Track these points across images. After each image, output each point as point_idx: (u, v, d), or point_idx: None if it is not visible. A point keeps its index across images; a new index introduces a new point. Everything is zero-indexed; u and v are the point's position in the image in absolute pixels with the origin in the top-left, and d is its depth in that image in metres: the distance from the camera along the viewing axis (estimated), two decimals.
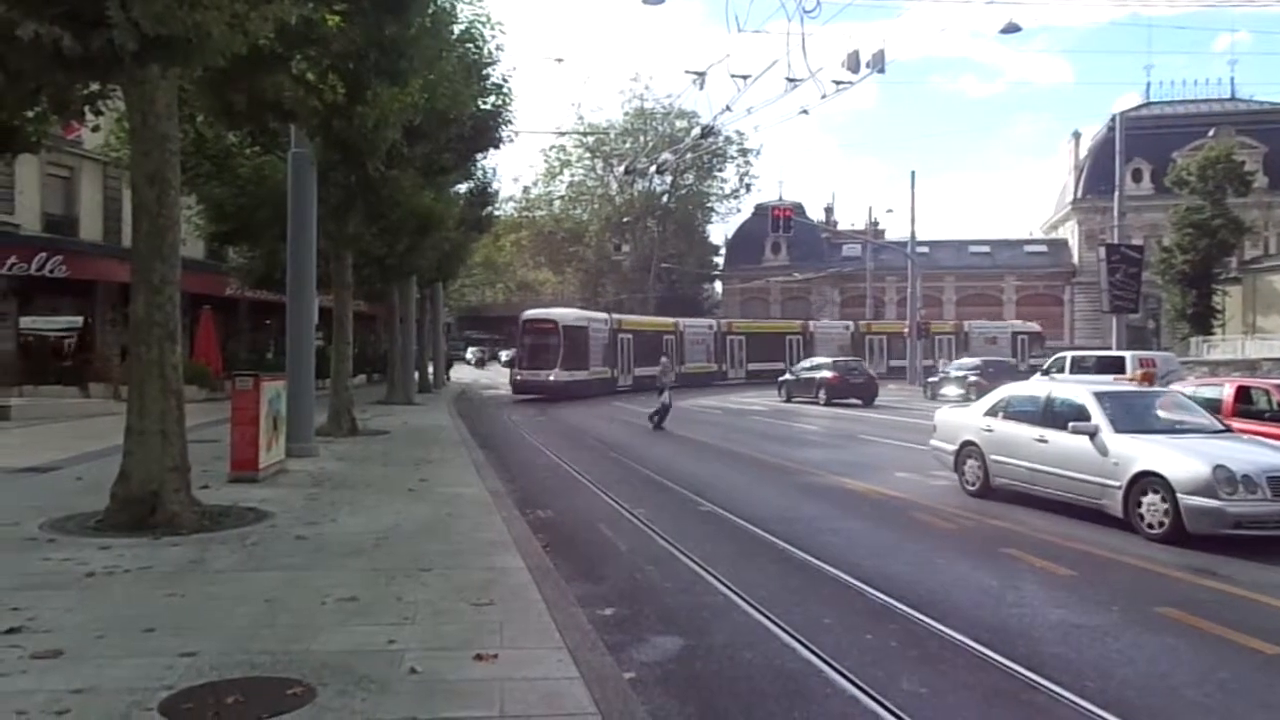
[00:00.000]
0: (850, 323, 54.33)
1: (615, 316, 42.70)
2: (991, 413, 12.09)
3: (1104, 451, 9.97)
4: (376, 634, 5.36)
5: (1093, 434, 10.15)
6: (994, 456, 11.62)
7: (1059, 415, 10.86)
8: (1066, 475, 10.44)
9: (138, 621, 5.49)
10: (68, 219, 26.72)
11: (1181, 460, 9.25)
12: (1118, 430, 10.10)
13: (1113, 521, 9.76)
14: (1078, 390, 11.19)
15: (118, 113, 13.69)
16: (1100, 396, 10.77)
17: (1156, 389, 12.08)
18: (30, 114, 8.39)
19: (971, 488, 11.94)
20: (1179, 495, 8.96)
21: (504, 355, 76.14)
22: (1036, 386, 12.36)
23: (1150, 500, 9.30)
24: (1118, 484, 9.68)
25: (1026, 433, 11.19)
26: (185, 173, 12.90)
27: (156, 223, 8.52)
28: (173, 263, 8.65)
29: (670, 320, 46.61)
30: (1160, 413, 11.12)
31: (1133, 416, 10.57)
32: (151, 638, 5.23)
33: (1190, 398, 12.15)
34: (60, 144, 22.59)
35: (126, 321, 24.84)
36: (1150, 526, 9.26)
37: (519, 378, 35.99)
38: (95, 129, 11.80)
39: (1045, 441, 10.83)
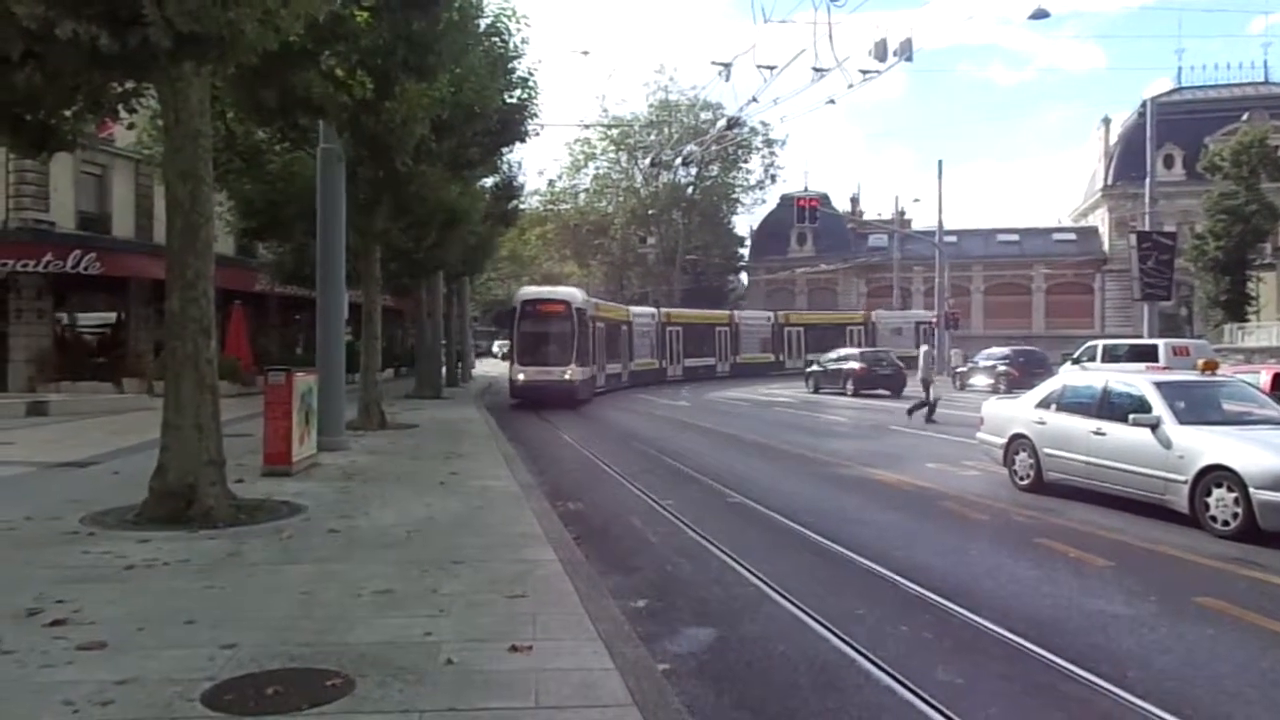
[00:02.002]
0: (771, 314, 52.57)
1: (592, 300, 34.27)
2: (1043, 404, 11.77)
3: (1167, 444, 9.61)
4: (412, 626, 5.40)
5: (1154, 426, 9.78)
6: (1047, 450, 11.34)
7: (1117, 406, 10.55)
8: (1126, 469, 10.10)
9: (178, 614, 5.57)
10: (101, 216, 27.10)
11: (1254, 453, 8.85)
12: (1181, 422, 9.71)
13: (1176, 517, 9.45)
14: (1137, 380, 10.80)
15: (151, 110, 13.87)
16: (1161, 386, 10.37)
17: (1221, 378, 11.62)
18: (67, 113, 8.49)
19: (1023, 482, 11.69)
20: (1251, 490, 8.58)
21: (495, 346, 73.89)
22: (1092, 377, 11.99)
23: (1219, 495, 8.93)
24: (1183, 478, 9.31)
25: (1082, 425, 10.86)
26: (216, 169, 13.01)
27: (190, 219, 8.60)
28: (206, 258, 8.73)
29: (625, 308, 41.90)
30: (1225, 403, 10.65)
31: (1197, 407, 10.15)
32: (191, 629, 5.31)
33: None
34: (93, 142, 22.89)
35: (159, 318, 25.03)
36: (1219, 523, 8.90)
37: (521, 378, 27.44)
38: (131, 126, 11.97)
39: (1103, 434, 10.50)
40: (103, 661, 4.76)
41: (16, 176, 24.42)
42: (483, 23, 17.45)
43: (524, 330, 28.26)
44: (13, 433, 16.12)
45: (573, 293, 30.57)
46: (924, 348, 25.53)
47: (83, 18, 5.39)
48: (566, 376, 26.94)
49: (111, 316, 28.61)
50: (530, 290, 31.65)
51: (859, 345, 48.63)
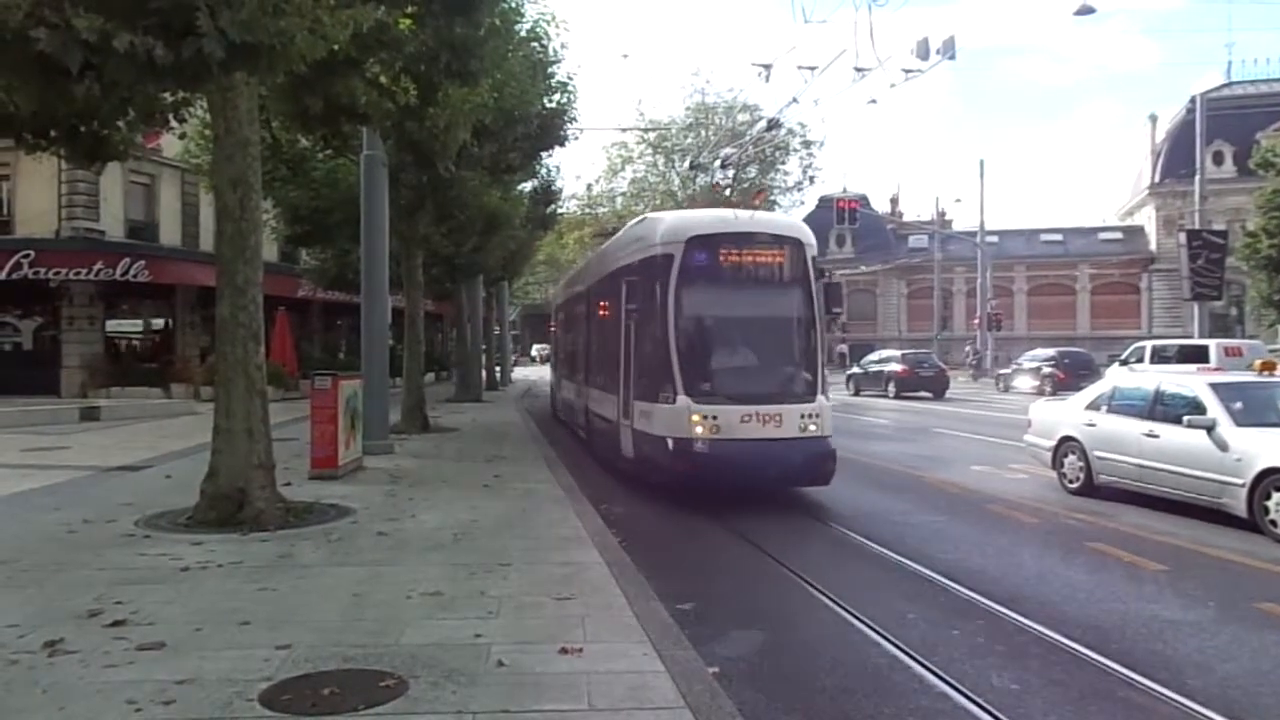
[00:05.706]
0: None
1: None
2: (1093, 406, 11.62)
3: (1224, 446, 9.44)
4: (462, 628, 5.43)
5: (1210, 428, 9.62)
6: (1097, 452, 11.20)
7: (1170, 408, 10.38)
8: (1181, 472, 9.92)
9: (233, 615, 5.65)
10: (149, 225, 27.63)
11: None
12: (1239, 423, 9.54)
13: (1232, 521, 9.28)
14: (1191, 381, 10.60)
15: (199, 120, 14.11)
16: (1217, 387, 10.16)
17: (1278, 379, 11.39)
18: (119, 123, 8.66)
19: (1072, 485, 11.55)
20: None
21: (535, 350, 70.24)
22: (1143, 378, 11.79)
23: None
24: (1241, 481, 9.16)
25: (1134, 427, 10.69)
26: (262, 177, 13.24)
27: (240, 226, 8.74)
28: (255, 265, 8.86)
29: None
30: None
31: (1254, 408, 9.91)
32: (247, 630, 5.38)
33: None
34: (143, 152, 23.35)
35: (205, 324, 25.31)
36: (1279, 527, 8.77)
37: (699, 436, 10.39)
38: (182, 136, 12.18)
39: (1155, 436, 10.33)
40: (162, 661, 4.84)
41: (69, 187, 25.01)
42: (523, 28, 17.52)
43: (691, 314, 11.19)
44: (68, 437, 16.48)
45: (799, 225, 12.54)
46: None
47: (139, 30, 5.51)
48: (813, 428, 10.95)
49: (159, 323, 29.15)
50: (708, 216, 12.51)
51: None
